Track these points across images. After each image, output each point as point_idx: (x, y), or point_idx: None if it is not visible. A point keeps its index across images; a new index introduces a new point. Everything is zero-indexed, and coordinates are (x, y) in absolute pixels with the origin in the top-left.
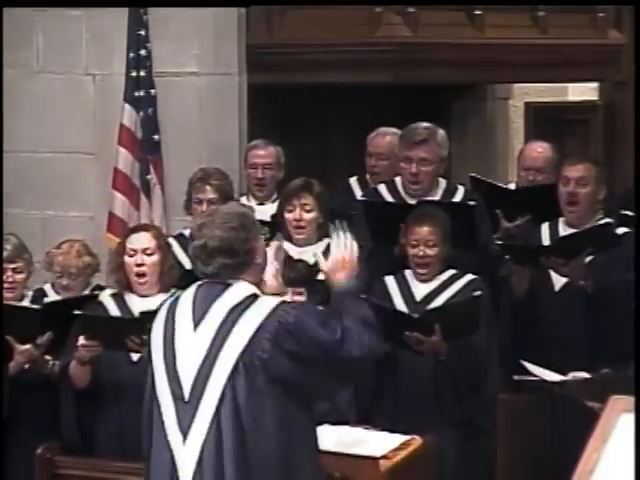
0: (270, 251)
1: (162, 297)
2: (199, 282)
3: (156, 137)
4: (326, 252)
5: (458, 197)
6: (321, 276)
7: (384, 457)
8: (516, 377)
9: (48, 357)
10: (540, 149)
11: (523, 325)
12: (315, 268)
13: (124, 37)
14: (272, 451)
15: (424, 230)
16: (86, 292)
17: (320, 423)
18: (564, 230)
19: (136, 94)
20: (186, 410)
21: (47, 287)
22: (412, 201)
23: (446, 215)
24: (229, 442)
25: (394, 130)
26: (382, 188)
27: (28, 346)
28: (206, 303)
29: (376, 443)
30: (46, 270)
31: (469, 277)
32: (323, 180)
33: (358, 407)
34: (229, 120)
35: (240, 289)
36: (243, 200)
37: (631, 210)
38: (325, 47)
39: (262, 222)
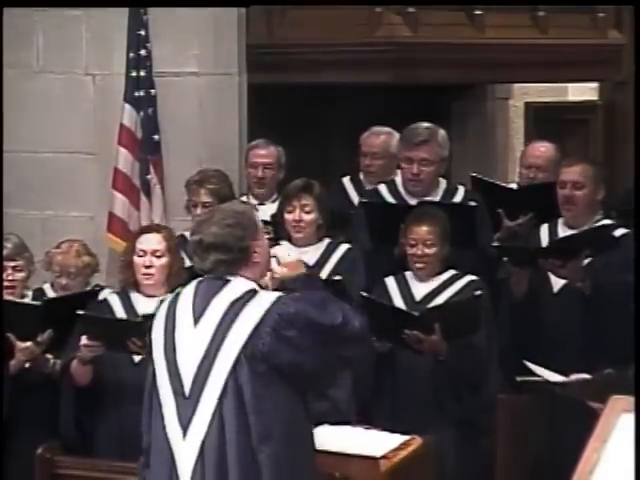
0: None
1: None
2: (199, 279)
3: (156, 137)
4: (326, 251)
5: (458, 197)
6: (320, 276)
7: (384, 457)
8: (519, 378)
9: (49, 355)
10: (543, 148)
11: (522, 326)
12: (315, 269)
13: (124, 37)
14: (274, 445)
15: (423, 229)
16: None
17: (320, 423)
18: (563, 231)
19: (136, 94)
20: (186, 406)
21: (46, 287)
22: (413, 202)
23: (446, 215)
24: (232, 436)
25: (388, 129)
26: (382, 189)
27: (29, 343)
28: (206, 299)
29: (376, 443)
30: (45, 270)
31: (469, 278)
32: (323, 180)
33: (358, 407)
34: (229, 120)
35: (239, 285)
36: (243, 200)
37: (631, 210)
38: (325, 47)
39: (263, 222)
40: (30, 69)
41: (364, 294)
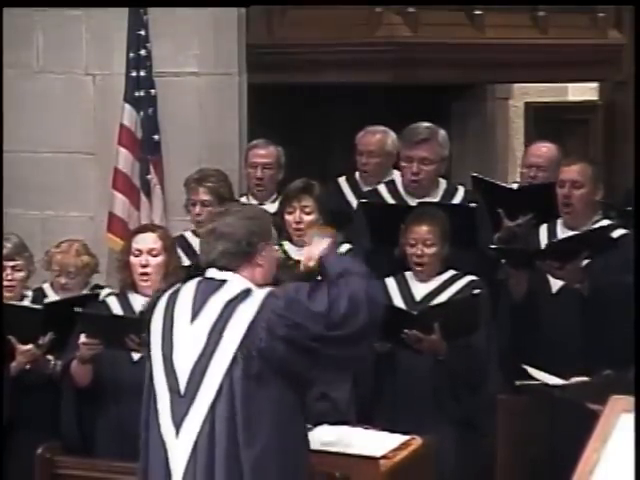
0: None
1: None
2: (198, 278)
3: (156, 137)
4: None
5: (458, 198)
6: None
7: (384, 457)
8: (518, 382)
9: (50, 357)
10: (545, 148)
11: (521, 327)
12: (314, 269)
13: (124, 37)
14: (264, 446)
15: (422, 229)
16: (85, 291)
17: (320, 423)
18: (562, 232)
19: (136, 94)
20: (181, 404)
21: (46, 286)
22: (412, 202)
23: (446, 216)
24: (222, 437)
25: (383, 128)
26: (382, 189)
27: (30, 346)
28: (204, 297)
29: (376, 443)
30: (45, 269)
31: (469, 278)
32: (323, 180)
33: (358, 407)
34: (229, 120)
35: (235, 284)
36: (243, 200)
37: (631, 211)
38: (325, 47)
39: None
40: (30, 69)
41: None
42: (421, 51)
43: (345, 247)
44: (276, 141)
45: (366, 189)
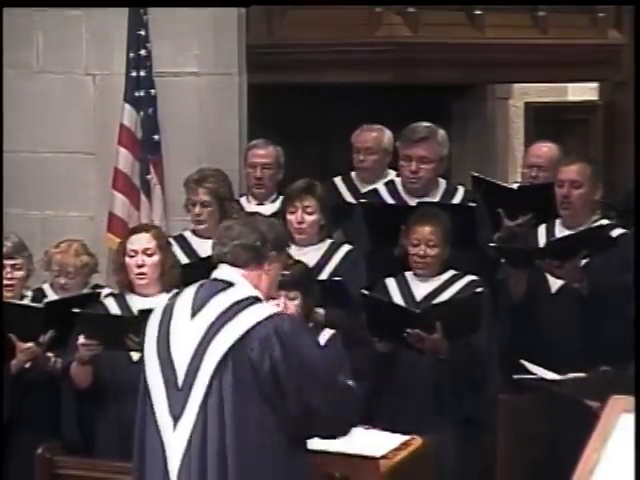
0: None
1: (163, 297)
2: (201, 281)
3: (156, 137)
4: (328, 251)
5: (458, 198)
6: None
7: (384, 457)
8: (516, 376)
9: (50, 354)
10: (545, 148)
11: (521, 326)
12: (314, 270)
13: (124, 37)
14: (252, 446)
15: (425, 230)
16: (85, 291)
17: None
18: (560, 231)
19: (136, 94)
20: (179, 397)
21: (46, 286)
22: (412, 202)
23: (448, 216)
24: (213, 433)
25: (379, 126)
26: (382, 189)
27: (30, 344)
28: (206, 296)
29: (376, 443)
30: (44, 269)
31: (469, 278)
32: (323, 180)
33: None
34: (229, 120)
35: (243, 288)
36: (243, 200)
37: (630, 210)
38: (325, 47)
39: None
40: (30, 69)
41: (364, 292)
42: (421, 51)
43: (346, 247)
44: (276, 141)
45: (363, 188)
